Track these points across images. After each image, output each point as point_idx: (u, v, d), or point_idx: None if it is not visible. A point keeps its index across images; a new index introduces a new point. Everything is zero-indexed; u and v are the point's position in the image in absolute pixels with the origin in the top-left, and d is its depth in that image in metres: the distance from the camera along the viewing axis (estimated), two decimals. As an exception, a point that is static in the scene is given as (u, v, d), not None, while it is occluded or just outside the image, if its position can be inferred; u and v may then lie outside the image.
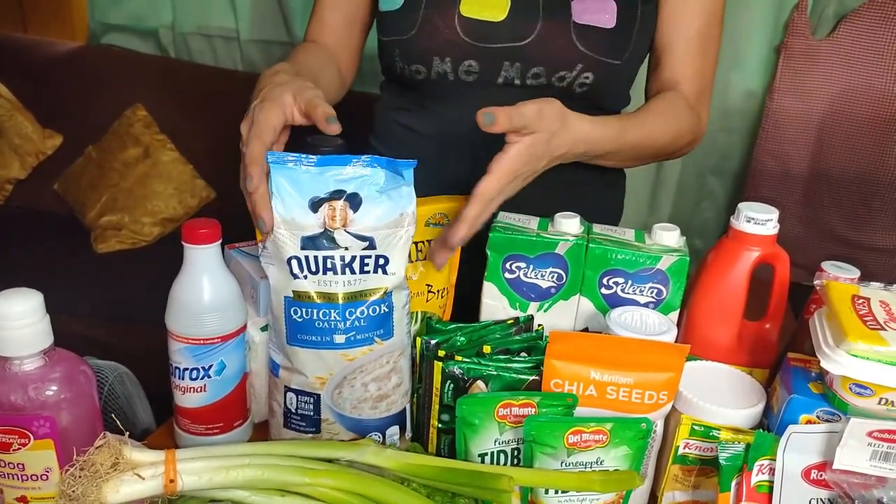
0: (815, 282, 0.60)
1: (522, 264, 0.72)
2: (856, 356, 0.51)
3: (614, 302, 0.71)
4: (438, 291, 0.75)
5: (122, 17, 2.18)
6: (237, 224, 0.74)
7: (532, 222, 0.74)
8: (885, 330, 0.52)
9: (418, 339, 0.66)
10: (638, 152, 0.82)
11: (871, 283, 0.59)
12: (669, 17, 0.86)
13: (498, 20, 0.80)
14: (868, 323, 0.53)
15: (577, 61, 0.80)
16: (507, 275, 0.73)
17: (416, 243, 0.71)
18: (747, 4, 1.65)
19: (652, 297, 0.70)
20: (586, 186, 0.89)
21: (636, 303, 0.70)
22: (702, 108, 0.89)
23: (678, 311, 0.70)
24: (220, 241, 0.62)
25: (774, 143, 1.66)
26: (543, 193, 0.76)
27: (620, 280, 0.70)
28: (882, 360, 0.51)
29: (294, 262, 0.61)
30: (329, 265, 0.61)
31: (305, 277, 0.61)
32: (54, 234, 1.98)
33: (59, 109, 2.13)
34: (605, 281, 0.71)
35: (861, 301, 0.56)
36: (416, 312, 0.73)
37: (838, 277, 0.63)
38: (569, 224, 0.72)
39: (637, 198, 1.86)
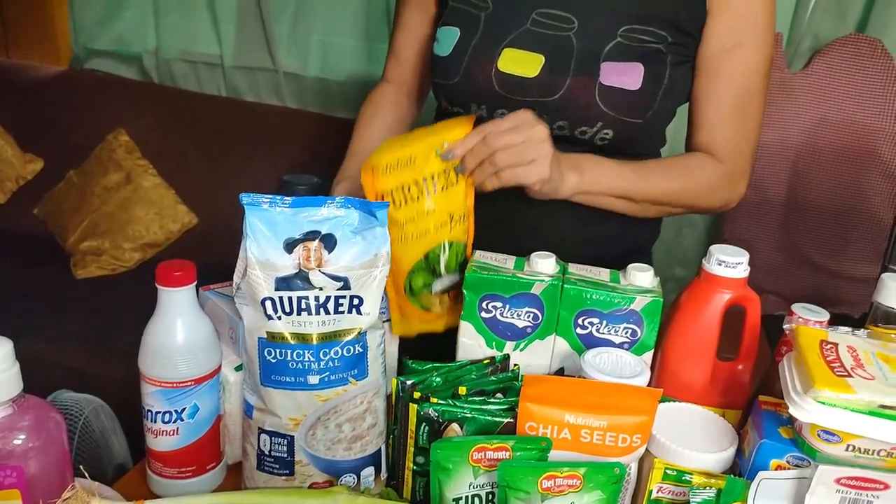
0: (785, 326, 0.61)
1: (499, 304, 0.72)
2: (823, 403, 0.52)
3: (589, 342, 0.71)
4: (461, 217, 0.76)
5: (106, 42, 2.18)
6: (219, 249, 0.74)
7: (509, 262, 0.75)
8: (852, 377, 0.53)
9: (394, 380, 0.66)
10: (659, 199, 0.89)
11: (840, 327, 0.60)
12: (703, 85, 0.89)
13: (531, 76, 0.86)
14: (835, 370, 0.54)
15: (597, 119, 0.85)
16: (483, 314, 0.73)
17: (431, 177, 0.74)
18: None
19: (626, 337, 0.71)
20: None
21: (611, 343, 0.71)
22: (737, 171, 0.92)
23: (652, 351, 0.71)
24: (195, 283, 0.62)
25: (751, 174, 1.68)
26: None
27: (595, 320, 0.71)
28: (848, 408, 0.51)
29: (268, 303, 0.61)
30: (303, 306, 0.62)
31: (279, 318, 0.61)
32: (34, 259, 1.96)
33: (40, 134, 2.12)
34: (580, 321, 0.71)
35: (829, 346, 0.57)
36: (444, 243, 0.75)
37: (808, 321, 0.64)
38: (544, 264, 0.73)
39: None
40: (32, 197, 2.09)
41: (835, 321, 0.67)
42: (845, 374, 0.53)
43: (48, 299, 1.77)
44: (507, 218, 0.90)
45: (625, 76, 0.84)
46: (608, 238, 0.92)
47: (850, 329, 0.60)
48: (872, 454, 0.52)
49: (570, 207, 0.88)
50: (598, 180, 0.84)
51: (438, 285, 0.77)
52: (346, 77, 2.04)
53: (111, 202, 1.99)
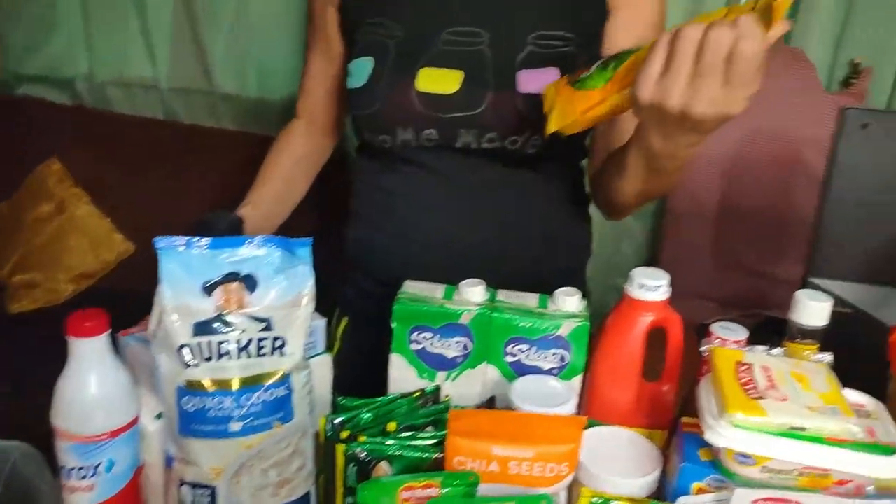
0: (702, 347, 0.62)
1: (428, 335, 0.72)
2: (737, 427, 0.53)
3: (520, 369, 0.71)
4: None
5: (37, 67, 2.12)
6: (156, 280, 0.70)
7: (438, 291, 0.75)
8: (765, 399, 0.54)
9: (323, 419, 0.65)
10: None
11: (756, 347, 0.61)
12: None
13: (451, 93, 0.86)
14: (749, 392, 0.55)
15: (525, 127, 0.86)
16: (413, 346, 0.73)
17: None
18: (656, 51, 1.71)
19: (556, 362, 0.71)
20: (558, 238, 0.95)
21: (540, 369, 0.71)
22: None
23: (582, 374, 0.71)
24: (108, 331, 0.60)
25: (684, 184, 1.72)
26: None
27: (525, 347, 0.71)
28: (761, 431, 0.52)
29: (185, 351, 0.59)
30: (223, 350, 0.60)
31: (198, 365, 0.60)
32: (-38, 296, 1.89)
33: (-32, 164, 2.04)
34: (509, 349, 0.71)
35: (744, 368, 0.58)
36: None
37: (726, 340, 0.65)
38: (473, 292, 0.73)
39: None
40: (-39, 231, 2.01)
41: (768, 324, 0.68)
42: (758, 396, 0.55)
43: (-22, 337, 1.71)
44: (445, 243, 0.90)
45: (543, 82, 0.84)
46: (540, 259, 0.93)
47: (765, 348, 0.62)
48: (786, 475, 0.53)
49: (509, 229, 0.90)
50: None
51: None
52: (285, 97, 2.02)
53: (44, 233, 1.93)
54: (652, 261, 1.90)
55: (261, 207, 0.97)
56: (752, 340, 0.69)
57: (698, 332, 0.93)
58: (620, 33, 0.90)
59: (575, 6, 0.88)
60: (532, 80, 0.85)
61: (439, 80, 0.86)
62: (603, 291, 1.94)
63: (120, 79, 2.10)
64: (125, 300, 1.61)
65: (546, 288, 0.75)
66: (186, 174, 1.99)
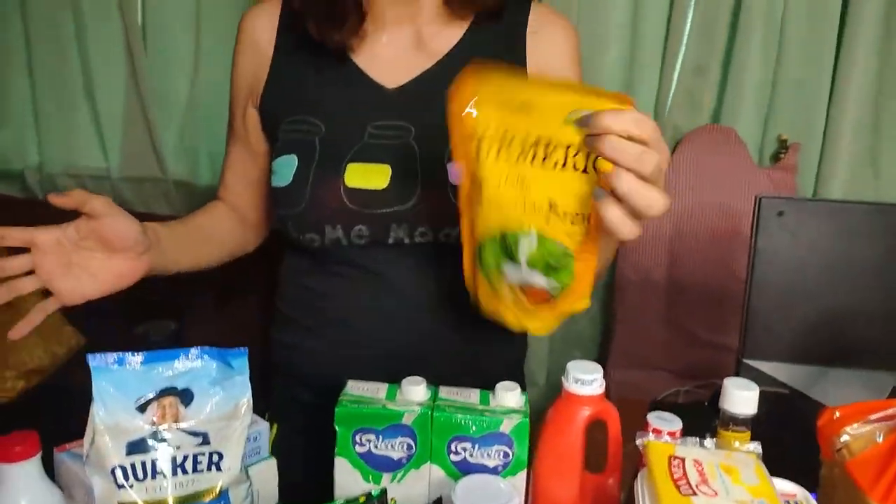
0: (637, 441, 0.63)
1: (372, 436, 0.72)
2: (670, 526, 0.53)
3: (464, 468, 0.72)
4: (567, 215, 0.58)
5: (-16, 160, 2.11)
6: None
7: (381, 391, 0.75)
8: (697, 495, 0.55)
9: (263, 532, 0.64)
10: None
11: (688, 438, 0.63)
12: None
13: (381, 188, 0.85)
14: (682, 488, 0.56)
15: (458, 219, 0.85)
16: (357, 448, 0.72)
17: (547, 142, 0.56)
18: (597, 131, 1.79)
19: (500, 459, 0.71)
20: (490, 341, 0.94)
21: (485, 467, 0.71)
22: None
23: (526, 469, 0.72)
24: (39, 454, 0.59)
25: (633, 258, 1.77)
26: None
27: (468, 445, 0.71)
28: (693, 529, 0.53)
29: (118, 471, 0.58)
30: (158, 469, 0.59)
31: (132, 486, 0.59)
32: None
33: None
34: (453, 447, 0.72)
35: (677, 462, 0.59)
36: (531, 232, 0.58)
37: (661, 431, 0.67)
38: (414, 391, 0.73)
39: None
40: None
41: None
42: (690, 492, 0.56)
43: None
44: (381, 342, 0.90)
45: None
46: (478, 353, 0.94)
47: (697, 440, 0.63)
48: (721, 571, 0.54)
49: (446, 324, 0.90)
50: None
51: (513, 275, 0.62)
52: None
53: (-11, 329, 1.88)
54: (608, 333, 1.92)
55: (169, 230, 0.89)
56: (707, 412, 0.70)
57: (651, 408, 0.94)
58: None
59: None
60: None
61: (368, 176, 0.86)
62: (561, 367, 1.96)
63: (70, 169, 2.10)
64: (76, 396, 1.57)
65: (487, 380, 0.76)
66: (138, 263, 1.97)
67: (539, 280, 0.61)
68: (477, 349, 0.93)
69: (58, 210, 2.13)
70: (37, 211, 2.12)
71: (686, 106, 1.76)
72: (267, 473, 0.75)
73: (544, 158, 0.56)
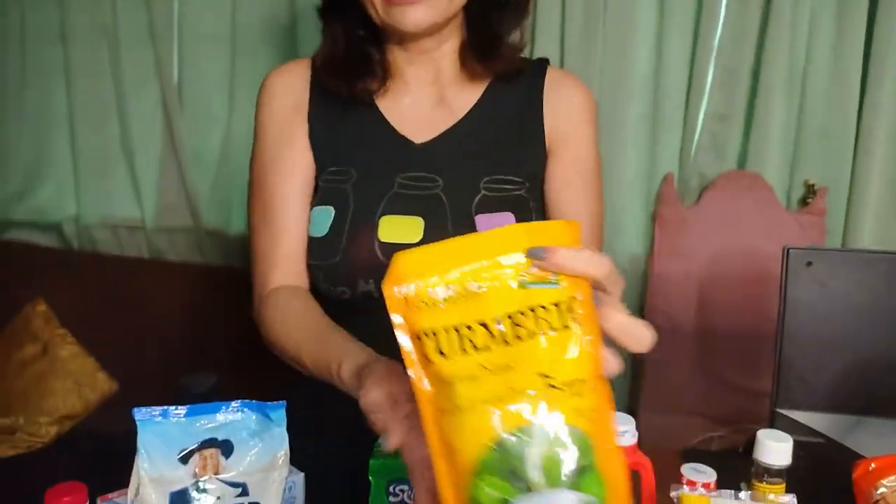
0: (672, 494, 0.63)
1: (405, 487, 0.73)
2: (707, 581, 0.53)
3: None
4: (567, 386, 0.44)
5: (25, 212, 2.18)
6: None
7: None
8: (733, 549, 0.55)
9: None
10: None
11: (723, 491, 0.63)
12: (561, 214, 0.95)
13: (415, 241, 0.87)
14: (717, 542, 0.56)
15: None
16: (391, 499, 0.73)
17: (507, 316, 0.45)
18: (621, 179, 1.81)
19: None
20: None
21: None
22: None
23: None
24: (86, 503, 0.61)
25: (662, 302, 1.76)
26: None
27: None
28: (731, 584, 0.53)
29: (162, 522, 0.60)
30: (200, 519, 0.61)
31: (174, 537, 0.60)
32: (-60, 445, 1.85)
33: (-47, 310, 2.06)
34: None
35: (712, 516, 0.59)
36: (533, 427, 0.44)
37: (695, 483, 0.67)
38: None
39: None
40: (-58, 377, 1.99)
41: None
42: (726, 546, 0.56)
43: (-47, 490, 1.66)
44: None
45: (498, 225, 0.88)
46: None
47: (732, 492, 0.63)
48: None
49: None
50: None
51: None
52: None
53: (25, 376, 1.92)
54: (636, 378, 1.91)
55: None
56: (742, 459, 0.70)
57: (685, 457, 0.93)
58: (558, 174, 0.95)
59: (519, 151, 0.94)
60: (489, 224, 0.88)
61: (402, 229, 0.88)
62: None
63: (106, 220, 2.16)
64: (108, 442, 1.59)
65: None
66: (171, 309, 2.01)
67: (567, 498, 0.43)
68: None
69: (92, 261, 2.18)
70: (72, 260, 2.19)
71: (711, 152, 1.78)
72: (301, 524, 0.76)
73: (516, 336, 0.45)
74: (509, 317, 0.45)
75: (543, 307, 0.45)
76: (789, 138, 1.74)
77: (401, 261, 0.48)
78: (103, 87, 2.06)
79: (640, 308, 1.86)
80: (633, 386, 1.93)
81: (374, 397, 0.56)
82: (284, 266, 0.92)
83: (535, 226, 0.46)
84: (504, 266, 0.45)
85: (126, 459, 0.69)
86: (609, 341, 0.48)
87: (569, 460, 0.43)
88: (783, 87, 1.70)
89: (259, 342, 0.91)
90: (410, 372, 0.47)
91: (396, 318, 0.49)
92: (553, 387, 0.44)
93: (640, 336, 0.49)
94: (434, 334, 0.46)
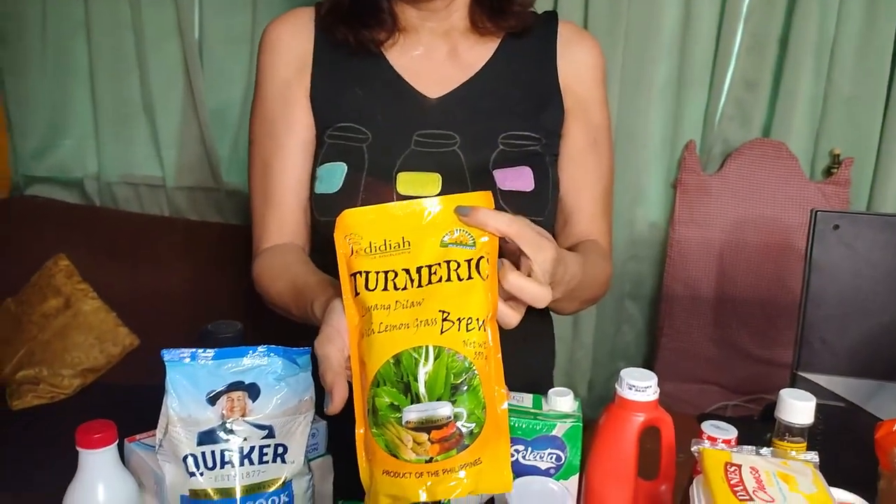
0: (693, 448, 0.63)
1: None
2: (727, 530, 0.54)
3: (517, 469, 0.73)
4: (463, 320, 0.56)
5: (47, 169, 2.20)
6: (161, 369, 0.68)
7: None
8: (754, 500, 0.56)
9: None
10: (587, 289, 0.85)
11: (744, 447, 0.63)
12: (576, 177, 0.95)
13: (433, 195, 0.86)
14: (738, 493, 0.56)
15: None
16: None
17: (428, 267, 0.58)
18: (644, 145, 1.79)
19: (552, 462, 0.73)
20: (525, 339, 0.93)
21: (538, 469, 0.73)
22: (610, 260, 0.97)
23: (578, 473, 0.73)
24: (116, 442, 0.62)
25: (681, 270, 1.76)
26: None
27: (521, 447, 0.73)
28: (751, 533, 0.53)
29: (190, 460, 0.61)
30: (226, 458, 0.62)
31: (202, 474, 0.61)
32: (-34, 394, 1.90)
33: (-22, 263, 2.09)
34: (506, 449, 0.73)
35: (733, 469, 0.59)
36: (426, 347, 0.55)
37: (716, 439, 0.67)
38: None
39: (560, 325, 1.92)
40: (-33, 328, 2.03)
41: (771, 410, 0.70)
42: (747, 497, 0.56)
43: (-21, 436, 1.70)
44: None
45: (518, 180, 0.88)
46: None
47: (754, 448, 0.63)
48: (779, 577, 0.54)
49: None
50: (575, 272, 0.73)
51: (413, 413, 0.54)
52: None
53: (49, 329, 1.96)
54: (653, 345, 1.91)
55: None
56: (757, 427, 0.70)
57: (699, 421, 0.93)
58: (574, 140, 0.95)
59: (535, 108, 0.93)
60: (508, 179, 0.88)
61: (419, 184, 0.87)
62: (608, 376, 1.95)
63: (127, 178, 2.18)
64: (129, 394, 1.62)
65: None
66: (191, 267, 2.03)
67: (443, 410, 0.54)
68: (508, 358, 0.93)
69: (113, 218, 2.20)
70: (93, 216, 2.20)
71: (736, 120, 1.75)
72: (323, 469, 0.78)
73: (429, 281, 0.57)
74: (428, 266, 0.57)
75: (457, 262, 0.57)
76: (816, 107, 1.71)
77: (350, 216, 0.60)
78: (124, 44, 2.05)
79: (659, 276, 1.85)
80: (649, 353, 1.94)
81: (325, 351, 0.59)
82: (279, 226, 0.93)
83: (458, 197, 0.59)
84: (430, 228, 0.58)
85: (146, 411, 0.69)
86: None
87: (450, 374, 0.54)
88: (812, 54, 1.67)
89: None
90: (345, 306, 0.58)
91: (341, 261, 0.59)
92: (448, 320, 0.55)
93: (533, 295, 0.58)
94: (366, 274, 0.58)
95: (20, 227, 2.11)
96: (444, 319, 0.56)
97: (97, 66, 2.08)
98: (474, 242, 0.58)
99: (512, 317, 0.59)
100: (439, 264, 0.57)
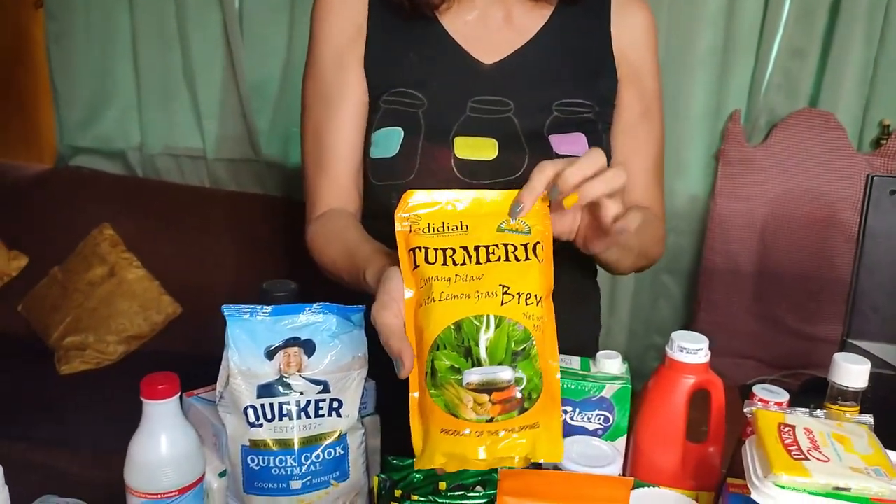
0: (745, 409, 0.63)
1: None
2: (782, 487, 0.54)
3: (566, 430, 0.73)
4: (522, 296, 0.59)
5: (91, 139, 2.24)
6: (203, 337, 0.69)
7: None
8: (809, 460, 0.56)
9: (376, 479, 0.68)
10: (644, 239, 0.88)
11: (797, 409, 0.63)
12: (629, 147, 0.95)
13: (490, 159, 0.87)
14: (793, 453, 0.56)
15: None
16: None
17: (486, 247, 0.61)
18: (687, 115, 1.76)
19: (600, 423, 0.73)
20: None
21: (585, 430, 0.73)
22: (665, 226, 0.98)
23: (625, 435, 0.73)
24: (179, 394, 0.64)
25: (721, 244, 1.74)
26: None
27: (569, 408, 0.73)
28: (806, 490, 0.54)
29: (250, 411, 0.63)
30: (284, 411, 0.64)
31: (261, 426, 0.63)
32: (17, 358, 1.95)
33: (25, 231, 2.15)
34: (554, 409, 0.73)
35: (787, 429, 0.59)
36: (488, 317, 0.57)
37: (767, 402, 0.67)
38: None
39: (597, 298, 1.92)
40: (17, 294, 2.10)
41: (812, 383, 0.70)
42: (802, 457, 0.56)
43: (30, 398, 1.76)
44: None
45: (573, 145, 0.88)
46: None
47: (807, 410, 0.63)
48: (833, 535, 0.54)
49: None
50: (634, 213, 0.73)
51: (474, 376, 0.56)
52: (326, 164, 2.10)
53: (95, 297, 2.01)
54: (690, 319, 1.90)
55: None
56: (796, 401, 0.70)
57: (741, 392, 0.93)
58: (628, 108, 0.94)
59: (589, 76, 0.93)
60: (563, 144, 0.88)
61: (476, 148, 0.88)
62: (643, 350, 1.95)
63: (169, 150, 2.21)
64: (173, 361, 1.66)
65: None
66: (232, 238, 2.07)
67: (504, 374, 0.56)
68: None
69: (155, 188, 2.24)
70: (137, 187, 2.25)
71: (783, 89, 1.72)
72: (372, 428, 0.79)
73: (487, 260, 0.60)
74: (486, 247, 0.61)
75: (514, 245, 0.61)
76: (866, 77, 1.67)
77: (411, 195, 0.63)
78: (166, 15, 2.07)
79: (698, 250, 1.84)
80: (686, 327, 1.93)
81: (384, 319, 0.59)
82: (332, 192, 0.93)
83: (513, 192, 0.63)
84: (488, 216, 0.62)
85: (190, 378, 0.70)
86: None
87: (511, 342, 0.57)
88: (864, 21, 1.62)
89: (318, 271, 0.91)
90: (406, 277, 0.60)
91: (399, 238, 0.62)
92: (509, 293, 0.58)
93: (608, 177, 0.63)
94: (425, 249, 0.60)
95: (66, 198, 2.16)
96: (505, 293, 0.58)
97: (140, 38, 2.11)
98: (530, 230, 0.62)
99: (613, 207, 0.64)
100: (497, 245, 0.61)
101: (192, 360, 0.70)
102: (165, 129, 2.20)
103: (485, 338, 0.57)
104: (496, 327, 0.57)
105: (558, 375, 0.59)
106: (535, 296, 0.59)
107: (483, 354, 0.56)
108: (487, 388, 0.56)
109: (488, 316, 0.57)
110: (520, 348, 0.57)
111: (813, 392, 0.71)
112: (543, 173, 0.63)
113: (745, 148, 1.72)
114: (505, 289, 0.59)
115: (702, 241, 1.80)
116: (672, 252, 1.87)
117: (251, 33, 2.05)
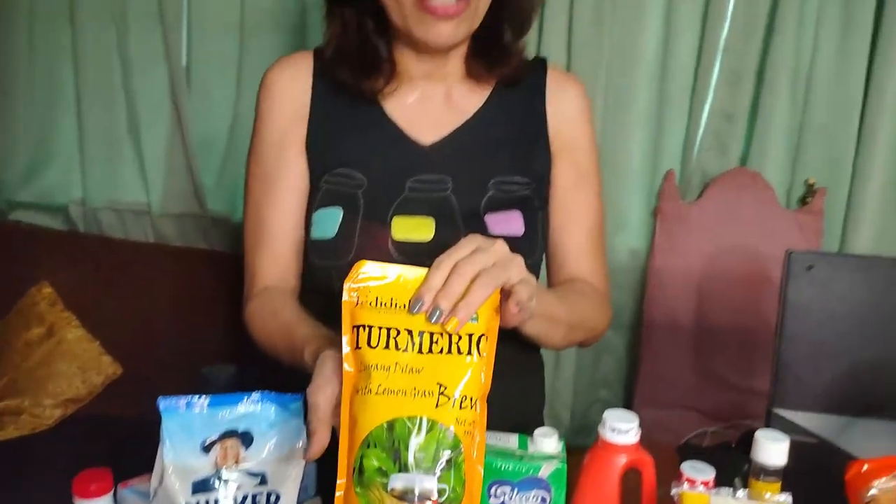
0: (672, 492, 0.66)
1: (507, 488, 0.75)
2: (707, 575, 0.56)
3: (504, 511, 0.74)
4: (456, 400, 0.59)
5: (31, 194, 2.19)
6: (143, 400, 0.68)
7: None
8: (731, 545, 0.58)
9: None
10: (572, 326, 0.88)
11: (721, 489, 0.66)
12: (562, 221, 0.98)
13: (427, 240, 0.89)
14: (716, 538, 0.59)
15: None
16: (492, 500, 0.74)
17: (428, 333, 0.59)
18: (626, 172, 1.83)
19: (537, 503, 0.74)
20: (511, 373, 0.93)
21: (523, 510, 0.74)
22: (606, 296, 1.00)
23: (563, 513, 0.75)
24: (112, 490, 0.63)
25: (661, 299, 1.79)
26: None
27: (507, 489, 0.74)
28: (729, 578, 0.56)
29: (185, 509, 0.62)
30: (221, 507, 0.63)
31: (197, 524, 0.62)
32: (-54, 424, 1.87)
33: (-41, 291, 2.07)
34: (493, 491, 0.74)
35: (711, 512, 0.62)
36: (421, 419, 0.58)
37: (694, 481, 0.69)
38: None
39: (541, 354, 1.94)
40: (-52, 357, 2.01)
41: (749, 436, 0.72)
42: (725, 542, 0.58)
43: (-40, 468, 1.69)
44: None
45: (509, 224, 0.91)
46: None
47: (731, 490, 0.66)
48: None
49: None
50: (548, 300, 0.79)
51: (399, 482, 0.57)
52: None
53: (32, 358, 1.95)
54: (633, 372, 1.94)
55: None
56: (735, 455, 0.73)
57: (679, 452, 0.96)
58: (564, 178, 0.98)
59: (525, 153, 0.96)
60: (499, 222, 0.91)
61: (414, 229, 0.90)
62: (588, 405, 1.97)
63: (112, 204, 2.17)
64: (111, 426, 1.61)
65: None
66: (176, 295, 2.03)
67: (428, 484, 0.57)
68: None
69: (97, 244, 2.19)
70: (78, 243, 2.20)
71: (714, 150, 1.80)
72: (313, 513, 0.79)
73: (430, 349, 0.60)
74: (430, 334, 0.60)
75: (459, 335, 0.60)
76: (792, 137, 1.76)
77: (363, 267, 0.62)
78: (111, 70, 2.06)
79: (639, 303, 1.89)
80: (629, 380, 1.97)
81: (315, 399, 0.61)
82: (271, 270, 0.95)
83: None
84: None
85: (129, 445, 0.69)
86: None
87: (439, 449, 0.58)
88: (787, 86, 1.72)
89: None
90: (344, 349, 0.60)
91: (345, 309, 0.61)
92: (445, 395, 0.59)
93: (520, 292, 0.63)
94: (369, 328, 0.60)
95: (3, 254, 2.09)
96: (441, 394, 0.59)
97: (84, 92, 2.08)
98: (477, 318, 0.61)
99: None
100: (441, 334, 0.60)
101: (129, 426, 0.69)
102: (109, 184, 2.16)
103: (415, 442, 0.58)
104: (427, 432, 0.58)
105: (479, 481, 0.61)
106: (471, 399, 0.60)
107: (411, 459, 0.58)
108: (409, 496, 0.57)
109: (421, 418, 0.58)
110: (447, 457, 0.58)
111: (750, 444, 0.73)
112: (440, 270, 0.61)
113: (681, 205, 1.79)
114: (442, 388, 0.59)
115: (642, 296, 1.85)
116: (615, 306, 1.90)
117: (198, 88, 2.05)
